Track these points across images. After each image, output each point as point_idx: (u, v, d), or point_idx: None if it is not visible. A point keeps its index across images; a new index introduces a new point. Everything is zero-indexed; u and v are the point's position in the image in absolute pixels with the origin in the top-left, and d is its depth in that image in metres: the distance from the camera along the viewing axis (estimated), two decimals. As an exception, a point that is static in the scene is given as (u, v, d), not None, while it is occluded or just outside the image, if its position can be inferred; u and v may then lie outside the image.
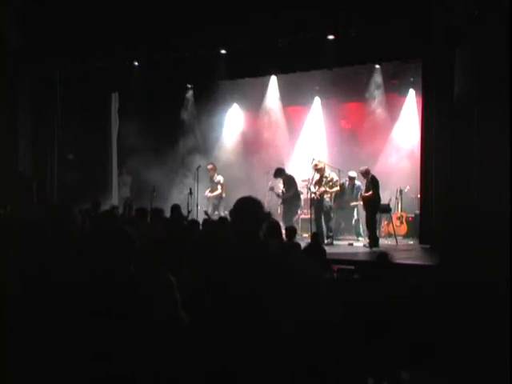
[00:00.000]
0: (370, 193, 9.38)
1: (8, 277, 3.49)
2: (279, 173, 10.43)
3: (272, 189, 10.81)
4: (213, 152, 12.63)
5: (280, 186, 10.68)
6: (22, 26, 11.20)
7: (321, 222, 9.85)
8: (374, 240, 9.23)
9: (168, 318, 3.11)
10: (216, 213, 10.91)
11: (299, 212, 11.41)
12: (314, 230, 9.37)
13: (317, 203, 9.77)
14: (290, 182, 10.37)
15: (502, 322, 4.97)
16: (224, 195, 11.30)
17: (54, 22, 10.97)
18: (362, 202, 9.97)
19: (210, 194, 11.44)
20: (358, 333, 3.98)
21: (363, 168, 9.67)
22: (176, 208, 7.93)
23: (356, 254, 8.78)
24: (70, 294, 3.11)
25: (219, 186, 11.34)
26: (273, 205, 11.11)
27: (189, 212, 9.51)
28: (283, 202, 10.49)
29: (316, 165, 9.95)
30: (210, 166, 11.62)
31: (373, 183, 9.42)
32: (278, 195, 10.64)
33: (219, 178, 11.42)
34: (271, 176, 10.72)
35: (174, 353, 3.04)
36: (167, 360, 3.03)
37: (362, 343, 3.99)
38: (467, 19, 7.90)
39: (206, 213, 9.59)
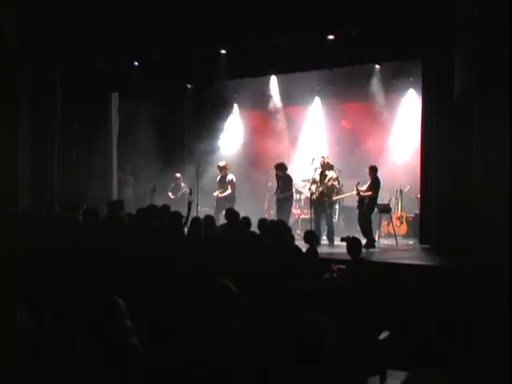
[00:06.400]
0: (370, 192, 9.37)
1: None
2: (280, 167, 10.27)
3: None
4: (212, 152, 12.61)
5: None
6: (21, 26, 11.18)
7: (320, 222, 9.84)
8: (371, 240, 9.22)
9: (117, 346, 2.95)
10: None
11: (299, 211, 11.40)
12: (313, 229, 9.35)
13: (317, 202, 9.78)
14: (286, 181, 10.27)
15: (502, 321, 4.97)
16: (236, 195, 10.66)
17: (53, 21, 10.95)
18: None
19: (219, 195, 10.68)
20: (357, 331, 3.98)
21: (370, 165, 9.62)
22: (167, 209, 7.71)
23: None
24: None
25: (229, 186, 10.62)
26: (272, 204, 11.10)
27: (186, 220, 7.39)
28: (277, 201, 10.33)
29: (323, 159, 9.94)
30: (222, 164, 10.98)
31: (375, 183, 9.41)
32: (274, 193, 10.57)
33: (230, 176, 10.77)
34: (271, 176, 10.64)
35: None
36: None
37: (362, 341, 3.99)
38: (467, 19, 7.91)
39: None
